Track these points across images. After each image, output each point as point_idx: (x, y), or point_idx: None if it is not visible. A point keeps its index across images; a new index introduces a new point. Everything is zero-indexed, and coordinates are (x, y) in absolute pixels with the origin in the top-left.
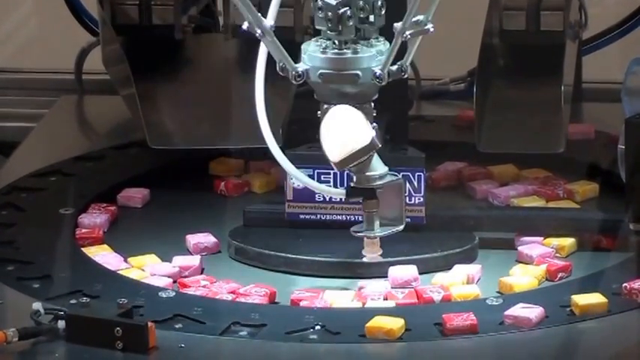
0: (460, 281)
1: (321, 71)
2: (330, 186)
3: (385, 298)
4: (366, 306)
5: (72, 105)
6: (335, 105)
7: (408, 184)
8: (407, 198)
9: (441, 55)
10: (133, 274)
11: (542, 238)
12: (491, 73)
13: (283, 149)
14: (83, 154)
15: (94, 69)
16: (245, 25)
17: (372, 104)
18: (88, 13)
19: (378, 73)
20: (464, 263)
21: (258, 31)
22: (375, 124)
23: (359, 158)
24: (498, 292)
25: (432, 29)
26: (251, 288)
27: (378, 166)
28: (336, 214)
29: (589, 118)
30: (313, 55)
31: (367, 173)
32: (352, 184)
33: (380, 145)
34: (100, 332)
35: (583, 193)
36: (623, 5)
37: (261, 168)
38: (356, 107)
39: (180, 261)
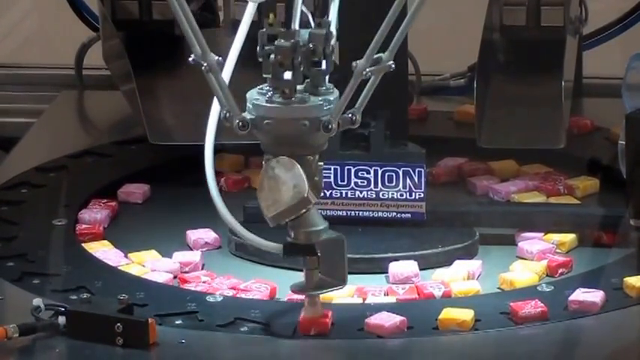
0: (460, 277)
1: (266, 121)
2: (331, 181)
3: (386, 294)
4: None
5: (72, 100)
6: (278, 156)
7: (408, 180)
8: (407, 193)
9: (441, 51)
10: (134, 269)
11: (542, 233)
12: (492, 69)
13: None
14: (83, 149)
15: (95, 64)
16: (191, 58)
17: (318, 156)
18: (88, 8)
19: (326, 123)
20: (464, 259)
21: (204, 64)
22: (316, 178)
23: (294, 213)
24: (499, 288)
25: (393, 66)
26: (252, 284)
27: (317, 222)
28: (336, 210)
29: (589, 113)
30: (258, 103)
31: (306, 229)
32: (290, 240)
33: (315, 200)
34: (101, 328)
35: (583, 189)
36: (623, 1)
37: (261, 164)
38: (299, 160)
39: (180, 257)
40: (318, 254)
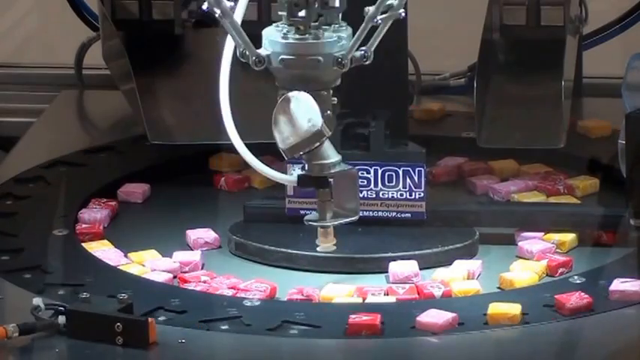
0: (461, 277)
1: (281, 57)
2: None
3: (386, 294)
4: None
5: (72, 100)
6: (293, 91)
7: (408, 179)
8: (407, 193)
9: (441, 50)
10: (133, 269)
11: (542, 233)
12: (492, 68)
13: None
14: (83, 149)
15: (95, 64)
16: (205, 5)
17: (331, 92)
18: (88, 8)
19: (340, 59)
20: (464, 259)
21: (218, 11)
22: (329, 112)
23: (308, 146)
24: (499, 288)
25: (403, 14)
26: (252, 283)
27: (330, 155)
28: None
29: (589, 113)
30: (274, 40)
31: (319, 162)
32: (303, 172)
33: (329, 133)
34: (101, 327)
35: (583, 189)
36: (623, 0)
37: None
38: (313, 94)
39: (180, 256)
40: (331, 186)
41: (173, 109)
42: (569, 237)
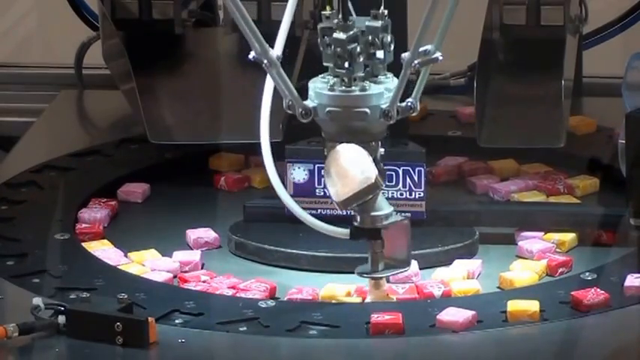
0: (460, 276)
1: (328, 109)
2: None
3: (387, 294)
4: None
5: (72, 100)
6: (341, 143)
7: (408, 179)
8: (407, 193)
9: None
10: (133, 269)
11: (542, 233)
12: (492, 68)
13: (283, 144)
14: (83, 148)
15: (95, 63)
16: (252, 55)
17: (379, 143)
18: (88, 7)
19: (386, 111)
20: (464, 258)
21: (265, 62)
22: (381, 164)
23: (362, 198)
24: (499, 288)
25: (441, 57)
26: (251, 283)
27: (383, 206)
28: (337, 209)
29: (589, 112)
30: (320, 92)
31: (372, 213)
32: (356, 225)
33: (383, 185)
34: (101, 327)
35: (583, 188)
36: (623, 0)
37: (261, 163)
38: (362, 146)
39: (180, 256)
40: (383, 238)
41: (173, 108)
42: (569, 237)
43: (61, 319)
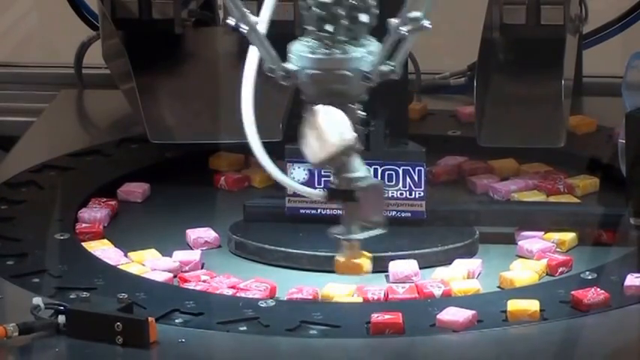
0: (460, 276)
1: (309, 71)
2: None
3: (386, 293)
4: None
5: (72, 99)
6: (320, 105)
7: (408, 179)
8: (407, 192)
9: (441, 49)
10: (133, 268)
11: (542, 232)
12: (492, 68)
13: (283, 144)
14: (83, 148)
15: (94, 63)
16: (231, 21)
17: (360, 105)
18: (88, 7)
19: (367, 74)
20: (464, 258)
21: (244, 26)
22: (357, 125)
23: (338, 159)
24: (499, 287)
25: (428, 26)
26: (251, 283)
27: (358, 168)
28: (337, 209)
29: (589, 112)
30: (302, 55)
31: (347, 175)
32: (332, 186)
33: (361, 148)
34: (101, 327)
35: (583, 188)
36: None
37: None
38: (341, 108)
39: (180, 256)
40: (358, 199)
41: (173, 108)
42: (569, 236)
43: (61, 318)
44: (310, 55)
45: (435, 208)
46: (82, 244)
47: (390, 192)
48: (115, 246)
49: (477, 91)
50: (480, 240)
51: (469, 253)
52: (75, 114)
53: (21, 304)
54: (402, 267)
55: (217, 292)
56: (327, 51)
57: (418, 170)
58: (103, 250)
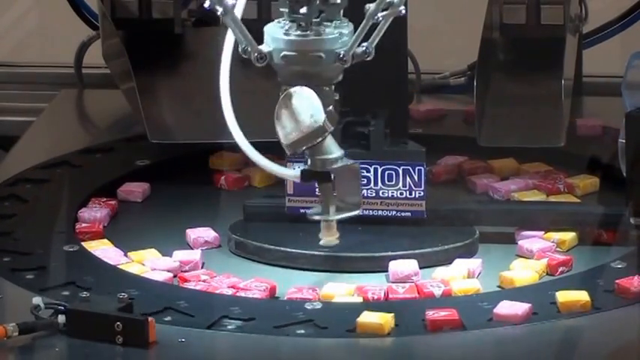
0: (461, 275)
1: (284, 53)
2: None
3: (386, 293)
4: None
5: (72, 99)
6: (295, 87)
7: (408, 178)
8: (407, 192)
9: (441, 49)
10: (133, 268)
11: (542, 232)
12: (492, 67)
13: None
14: (83, 148)
15: (94, 63)
16: (207, 3)
17: (334, 87)
18: (88, 6)
19: (342, 55)
20: (464, 257)
21: (219, 8)
22: (331, 107)
23: (311, 141)
24: (499, 287)
25: (403, 11)
26: (251, 282)
27: (333, 149)
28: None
29: (589, 112)
30: (276, 36)
31: (321, 157)
32: (306, 167)
33: (332, 129)
34: (100, 327)
35: (583, 188)
36: None
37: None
38: (315, 90)
39: (180, 255)
40: (333, 181)
41: (173, 108)
42: (569, 236)
43: (61, 318)
44: (284, 37)
45: (434, 207)
46: (82, 243)
47: (390, 191)
48: (115, 246)
49: (477, 90)
50: (480, 240)
51: (469, 252)
52: (75, 114)
53: (21, 304)
54: (402, 267)
55: (217, 291)
56: (301, 32)
57: (418, 170)
58: (103, 249)
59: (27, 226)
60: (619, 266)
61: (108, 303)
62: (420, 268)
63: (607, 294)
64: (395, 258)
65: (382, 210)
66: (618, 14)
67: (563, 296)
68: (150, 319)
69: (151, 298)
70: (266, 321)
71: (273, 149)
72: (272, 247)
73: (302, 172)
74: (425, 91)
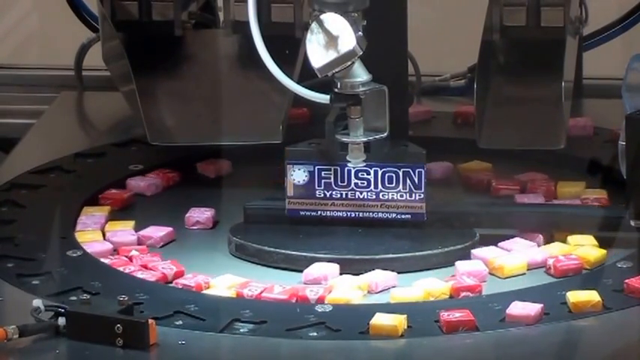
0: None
1: None
2: (331, 182)
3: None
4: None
5: (72, 101)
6: (323, 12)
7: (408, 181)
8: (407, 194)
9: (441, 51)
10: (89, 236)
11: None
12: (492, 69)
13: (283, 145)
14: (83, 150)
15: (94, 65)
16: None
17: (361, 14)
18: (88, 9)
19: None
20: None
21: None
22: (360, 32)
23: (342, 64)
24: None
25: None
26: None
27: (361, 73)
28: (337, 211)
29: (589, 114)
30: None
31: (351, 79)
32: (336, 90)
33: (361, 52)
34: (101, 329)
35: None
36: (623, 1)
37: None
38: (344, 16)
39: (148, 231)
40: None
41: (173, 110)
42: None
43: (61, 320)
44: None
45: (435, 209)
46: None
47: (390, 194)
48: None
49: (477, 92)
50: (481, 242)
51: (469, 255)
52: (75, 116)
53: (21, 307)
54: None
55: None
56: None
57: (418, 172)
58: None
59: (27, 228)
60: (625, 266)
61: (108, 305)
62: (421, 270)
63: (616, 294)
64: (396, 260)
65: (382, 212)
66: (618, 16)
67: (574, 297)
68: (150, 320)
69: (160, 303)
70: (278, 324)
71: (272, 152)
72: (272, 249)
73: (332, 95)
74: (425, 93)
